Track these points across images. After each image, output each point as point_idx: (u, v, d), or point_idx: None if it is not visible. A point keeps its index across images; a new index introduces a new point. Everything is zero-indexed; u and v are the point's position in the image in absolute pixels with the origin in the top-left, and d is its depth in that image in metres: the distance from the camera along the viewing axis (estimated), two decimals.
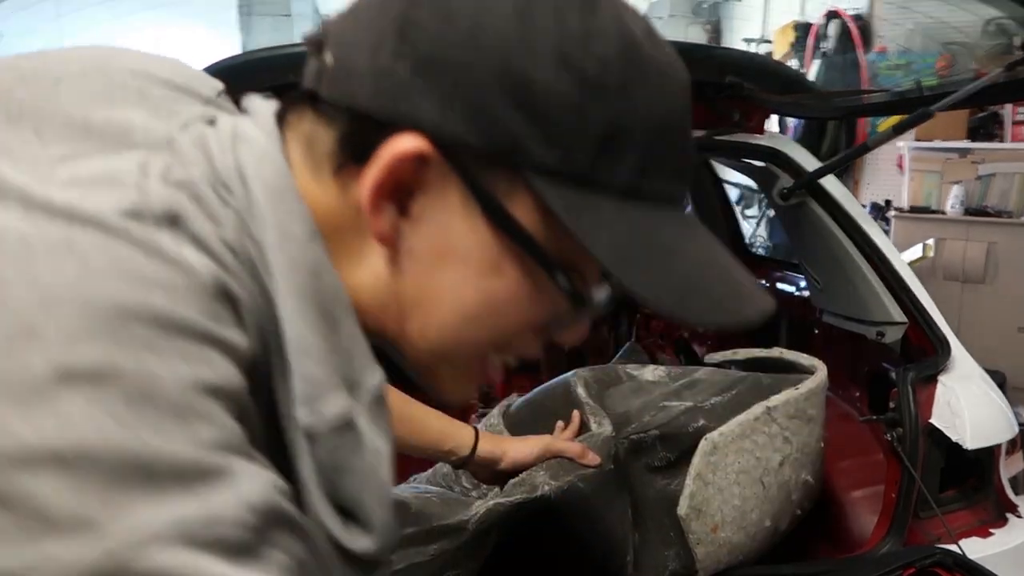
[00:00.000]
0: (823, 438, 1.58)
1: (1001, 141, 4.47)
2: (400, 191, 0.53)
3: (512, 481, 1.31)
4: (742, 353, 1.74)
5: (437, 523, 1.22)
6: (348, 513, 0.55)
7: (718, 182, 3.05)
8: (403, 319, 0.58)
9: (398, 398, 1.16)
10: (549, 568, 1.37)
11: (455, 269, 0.55)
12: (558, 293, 0.56)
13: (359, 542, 0.55)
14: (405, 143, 0.50)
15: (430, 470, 1.74)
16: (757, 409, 1.45)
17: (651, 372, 1.61)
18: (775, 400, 1.47)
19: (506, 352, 0.63)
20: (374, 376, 0.56)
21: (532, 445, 1.32)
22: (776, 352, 1.69)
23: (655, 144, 0.54)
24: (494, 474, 1.29)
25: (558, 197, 0.52)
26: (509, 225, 0.53)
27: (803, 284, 2.29)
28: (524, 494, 1.23)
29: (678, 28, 8.36)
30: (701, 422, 1.44)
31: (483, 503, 1.24)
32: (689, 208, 3.88)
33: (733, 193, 5.79)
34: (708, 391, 1.52)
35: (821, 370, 1.58)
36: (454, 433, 1.24)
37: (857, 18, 5.31)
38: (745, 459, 1.43)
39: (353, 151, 0.53)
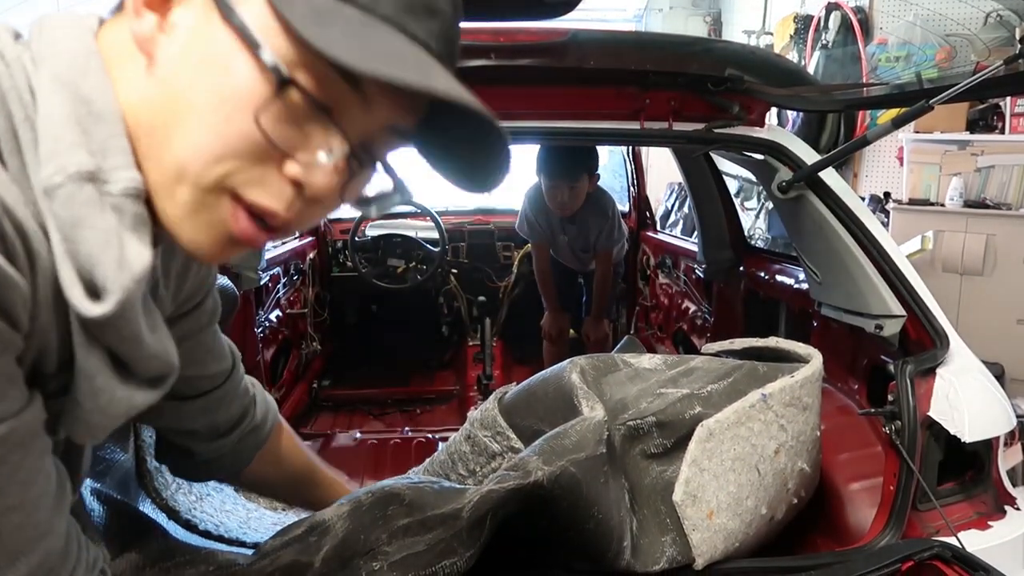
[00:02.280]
0: (819, 427, 1.59)
1: (1001, 133, 4.46)
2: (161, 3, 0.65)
3: (505, 466, 1.31)
4: (739, 343, 1.75)
5: (432, 512, 1.22)
6: (90, 287, 0.61)
7: (718, 175, 3.05)
8: (157, 140, 0.65)
9: (330, 472, 1.40)
10: (546, 554, 1.37)
11: (193, 69, 0.64)
12: (279, 99, 0.64)
13: (94, 309, 0.61)
14: None
15: (426, 461, 1.75)
16: (753, 396, 1.46)
17: (648, 360, 1.62)
18: (771, 387, 1.48)
19: (246, 183, 0.67)
20: (129, 179, 0.63)
21: None
22: (772, 341, 1.70)
23: None
24: None
25: (291, 8, 0.61)
26: (235, 19, 0.62)
27: (802, 277, 2.29)
28: (517, 480, 1.24)
29: (678, 20, 8.34)
30: (697, 409, 1.45)
31: (476, 491, 1.24)
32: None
33: (732, 185, 5.79)
34: (705, 379, 1.53)
35: (816, 358, 1.58)
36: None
37: (857, 10, 5.30)
38: (740, 446, 1.43)
39: None
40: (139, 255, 0.63)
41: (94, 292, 0.61)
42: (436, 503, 1.24)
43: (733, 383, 1.51)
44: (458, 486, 1.32)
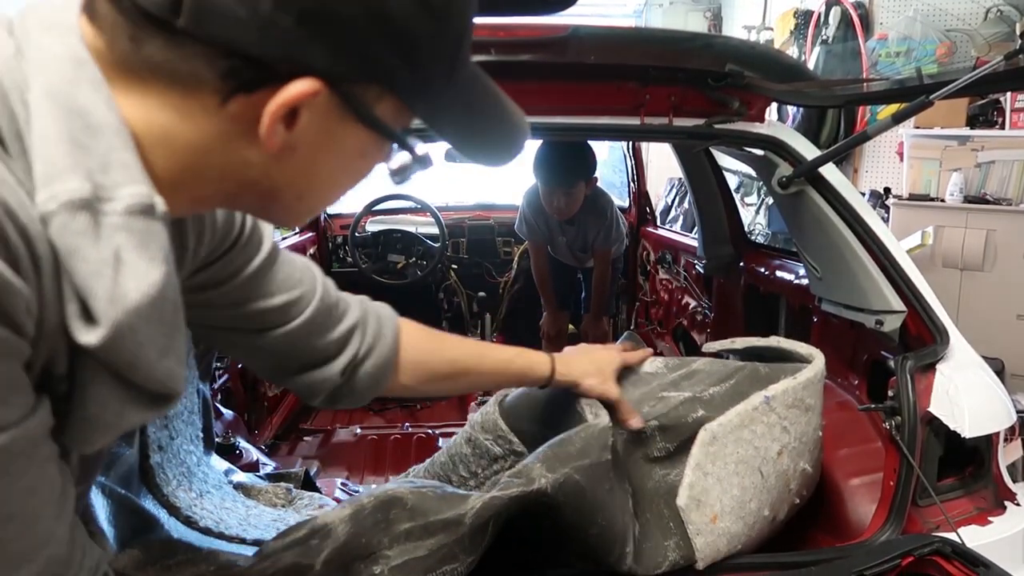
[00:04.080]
0: (821, 426, 1.59)
1: (1001, 128, 4.46)
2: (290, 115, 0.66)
3: (509, 473, 1.31)
4: (740, 342, 1.75)
5: (434, 517, 1.22)
6: (87, 310, 0.60)
7: (718, 170, 3.05)
8: (275, 194, 0.73)
9: (481, 347, 1.38)
10: (548, 561, 1.37)
11: (332, 160, 0.72)
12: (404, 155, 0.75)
13: (85, 335, 0.60)
14: (304, 87, 0.63)
15: (427, 461, 1.74)
16: (755, 399, 1.45)
17: (649, 364, 1.61)
18: (773, 390, 1.47)
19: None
20: (132, 195, 0.61)
21: (602, 374, 1.44)
22: (773, 341, 1.69)
23: (471, 40, 0.74)
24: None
25: (418, 103, 0.71)
26: (379, 126, 0.69)
27: (802, 272, 2.29)
28: (521, 487, 1.24)
29: (678, 15, 8.33)
30: (700, 412, 1.45)
31: (479, 497, 1.24)
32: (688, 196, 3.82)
33: (732, 181, 5.79)
34: (706, 381, 1.52)
35: (819, 359, 1.58)
36: (535, 364, 1.39)
37: (858, 5, 5.29)
38: (744, 449, 1.43)
39: (241, 86, 0.63)
40: (141, 280, 0.61)
41: (91, 316, 0.60)
42: (439, 508, 1.24)
43: (735, 385, 1.50)
44: (461, 492, 1.31)
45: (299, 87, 0.63)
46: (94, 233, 0.59)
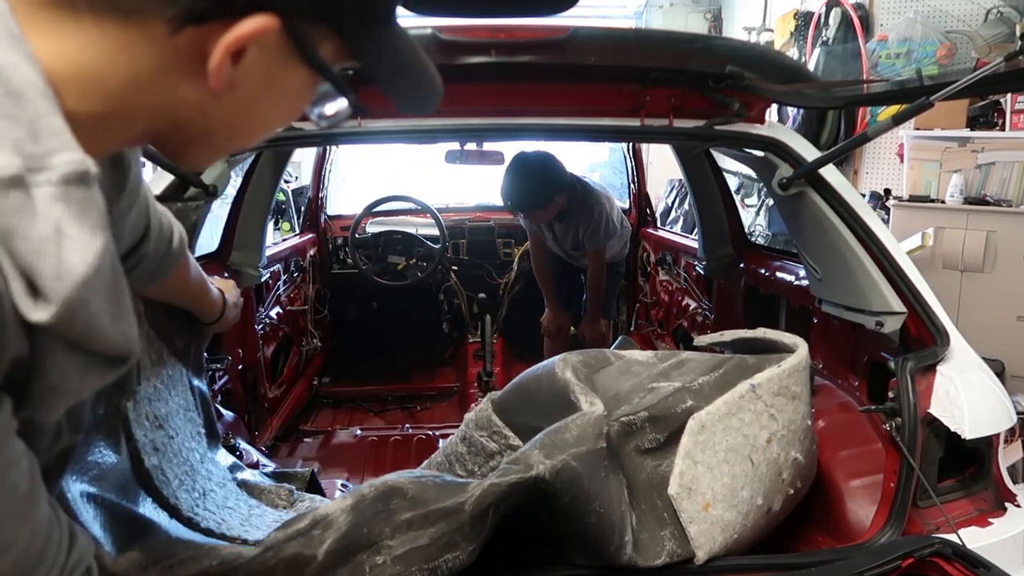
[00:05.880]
0: (810, 415, 1.59)
1: (1001, 130, 4.45)
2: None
3: (506, 461, 1.33)
4: (728, 335, 1.78)
5: (434, 506, 1.23)
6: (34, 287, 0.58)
7: (718, 171, 3.05)
8: (208, 133, 0.72)
9: (196, 274, 1.44)
10: (548, 548, 1.38)
11: (271, 99, 0.72)
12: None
13: (35, 313, 0.57)
14: (263, 22, 0.62)
15: (423, 464, 1.75)
16: (742, 387, 1.48)
17: (640, 354, 1.64)
18: (759, 378, 1.50)
19: None
20: (68, 163, 0.58)
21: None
22: (760, 332, 1.72)
23: None
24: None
25: (362, 46, 0.71)
26: (323, 68, 0.70)
27: (802, 274, 2.29)
28: (519, 474, 1.25)
29: (678, 17, 8.33)
30: (689, 402, 1.47)
31: (479, 484, 1.25)
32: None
33: (732, 182, 5.79)
34: (696, 371, 1.55)
35: (802, 347, 1.60)
36: (216, 305, 1.57)
37: (858, 6, 5.29)
38: (733, 437, 1.45)
39: (195, 16, 0.62)
40: (85, 252, 0.59)
41: (38, 292, 0.57)
42: (438, 497, 1.25)
43: (723, 375, 1.53)
44: (460, 480, 1.33)
45: (257, 22, 0.62)
46: (30, 209, 0.56)
